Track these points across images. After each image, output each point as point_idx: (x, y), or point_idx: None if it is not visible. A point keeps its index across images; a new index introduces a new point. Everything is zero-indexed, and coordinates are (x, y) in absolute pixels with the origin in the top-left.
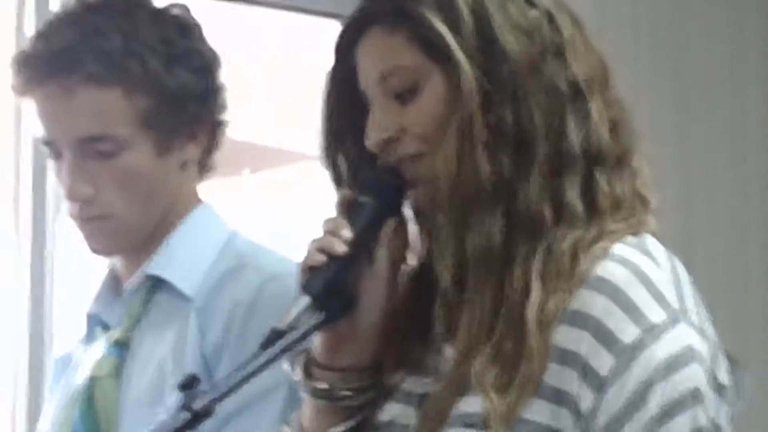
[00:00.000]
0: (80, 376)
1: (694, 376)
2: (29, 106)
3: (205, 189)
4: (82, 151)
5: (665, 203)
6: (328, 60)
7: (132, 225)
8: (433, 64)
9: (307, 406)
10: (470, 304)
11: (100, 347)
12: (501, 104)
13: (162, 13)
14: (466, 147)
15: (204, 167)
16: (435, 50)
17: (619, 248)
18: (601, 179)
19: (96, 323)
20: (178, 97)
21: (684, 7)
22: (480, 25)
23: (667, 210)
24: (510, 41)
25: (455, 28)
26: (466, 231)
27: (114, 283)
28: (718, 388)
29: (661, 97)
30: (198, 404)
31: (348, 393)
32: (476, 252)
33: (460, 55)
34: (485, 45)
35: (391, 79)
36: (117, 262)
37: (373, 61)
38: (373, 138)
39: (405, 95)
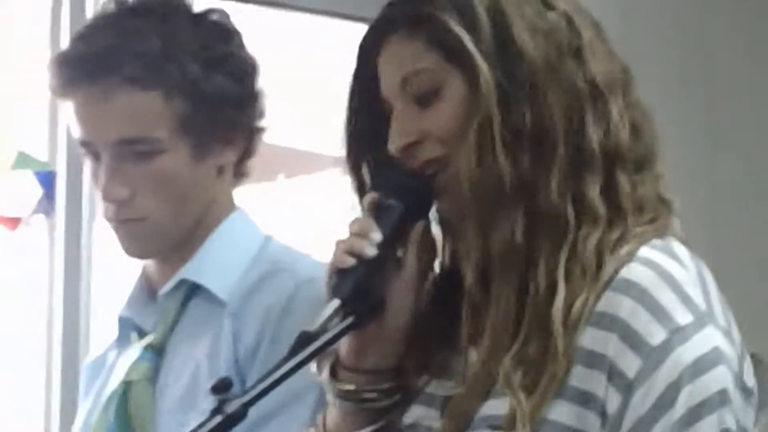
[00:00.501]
0: (114, 381)
1: (721, 377)
2: (66, 108)
3: (239, 194)
4: (119, 153)
5: (692, 207)
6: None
7: (166, 228)
8: (452, 67)
9: (333, 409)
10: (495, 304)
11: (134, 352)
12: (519, 104)
13: (201, 18)
14: (486, 147)
15: (240, 173)
16: (454, 53)
17: (644, 251)
18: (622, 180)
19: (129, 327)
20: (216, 102)
21: (711, 8)
22: (497, 27)
23: (695, 213)
24: (527, 42)
25: (473, 30)
26: (489, 230)
27: (147, 287)
28: (744, 391)
29: (688, 101)
30: (231, 407)
31: (373, 395)
32: (500, 251)
33: (478, 57)
34: (503, 46)
35: (412, 84)
36: (150, 266)
37: (394, 66)
38: (395, 143)
39: (426, 99)
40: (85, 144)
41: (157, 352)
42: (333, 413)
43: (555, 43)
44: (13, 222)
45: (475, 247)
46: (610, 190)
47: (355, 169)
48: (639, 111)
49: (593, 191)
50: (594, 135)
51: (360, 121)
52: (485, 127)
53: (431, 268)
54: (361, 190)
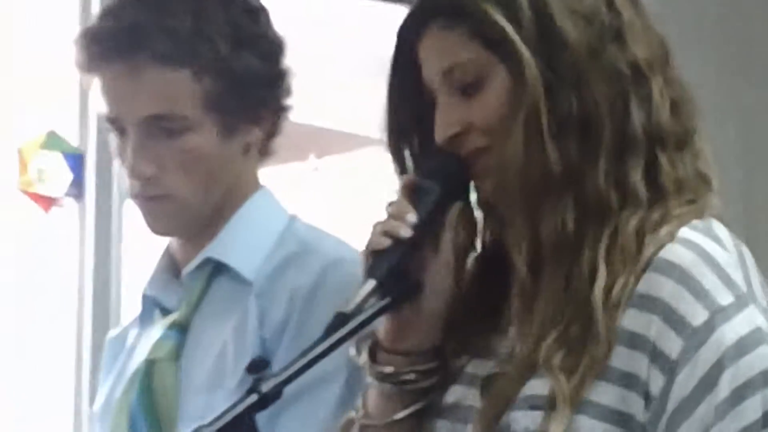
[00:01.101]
0: (137, 359)
1: (764, 357)
2: (94, 83)
3: (270, 174)
4: (147, 130)
5: (727, 190)
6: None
7: (192, 206)
8: (495, 57)
9: (373, 391)
10: (545, 290)
11: (157, 330)
12: (564, 92)
13: None
14: (534, 137)
15: (265, 152)
16: (496, 44)
17: (685, 232)
18: (664, 160)
19: (153, 305)
20: (244, 81)
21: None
22: (539, 15)
23: (729, 197)
24: (569, 28)
25: (515, 20)
26: (539, 220)
27: (171, 265)
28: None
29: (723, 83)
30: (266, 387)
31: (413, 376)
32: (551, 239)
33: (522, 47)
34: (545, 34)
35: (454, 75)
36: (175, 244)
37: (435, 56)
38: (441, 134)
39: (469, 89)
40: (112, 120)
41: (182, 330)
42: (373, 395)
43: (596, 27)
44: (48, 202)
45: (525, 236)
46: (651, 172)
47: (396, 152)
48: (678, 86)
49: (636, 175)
50: (637, 119)
51: (400, 105)
52: (532, 117)
53: (469, 248)
54: (402, 172)
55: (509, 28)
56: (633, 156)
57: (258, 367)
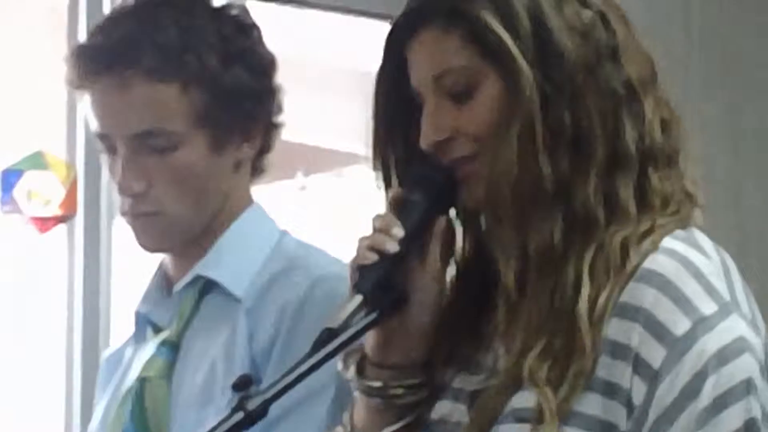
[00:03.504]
0: (130, 377)
1: (746, 366)
2: (84, 100)
3: (258, 191)
4: (136, 146)
5: (716, 203)
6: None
7: (182, 223)
8: (488, 65)
9: (360, 406)
10: (530, 303)
11: (150, 347)
12: (559, 106)
13: (221, 12)
14: (527, 149)
15: (257, 168)
16: (492, 52)
17: (667, 241)
18: (653, 178)
19: (145, 322)
20: (234, 96)
21: (735, 7)
22: (536, 27)
23: (718, 209)
24: (566, 43)
25: (512, 29)
26: (527, 232)
27: (164, 282)
28: None
29: (711, 97)
30: (252, 405)
31: (400, 391)
32: (538, 252)
33: (519, 57)
34: (542, 47)
35: (446, 80)
36: (167, 261)
37: (427, 61)
38: (428, 139)
39: (459, 96)
40: (102, 137)
41: (173, 348)
42: (360, 410)
43: (592, 43)
44: (44, 223)
45: (514, 249)
46: (641, 189)
47: (381, 161)
48: (667, 106)
49: (626, 191)
50: (630, 137)
51: (387, 113)
52: (526, 128)
53: (452, 261)
54: (387, 184)
55: (507, 38)
56: (624, 173)
57: (244, 384)
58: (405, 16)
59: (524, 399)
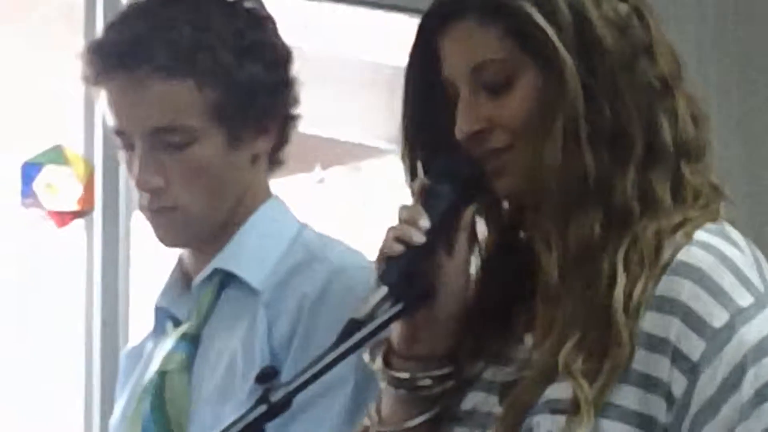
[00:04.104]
0: (151, 371)
1: None
2: (101, 97)
3: (276, 184)
4: (153, 143)
5: (733, 184)
6: (400, 54)
7: (201, 217)
8: (528, 57)
9: (387, 397)
10: (568, 296)
11: (169, 341)
12: (600, 100)
13: (234, 6)
14: (572, 142)
15: (274, 161)
16: (531, 45)
17: (701, 234)
18: (686, 171)
19: (165, 317)
20: (249, 90)
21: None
22: (579, 20)
23: (734, 190)
24: (606, 37)
25: (556, 24)
26: (568, 225)
27: (182, 276)
28: None
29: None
30: (275, 397)
31: (428, 382)
32: (578, 245)
33: (562, 50)
34: (584, 40)
35: (484, 72)
36: (186, 255)
37: (465, 52)
38: (463, 129)
39: (496, 88)
40: (119, 133)
41: (192, 341)
42: (387, 401)
43: (629, 37)
44: (61, 217)
45: (557, 241)
46: (675, 182)
47: (409, 153)
48: (695, 101)
49: (663, 185)
50: (666, 131)
51: (417, 103)
52: (570, 122)
53: (483, 252)
54: (413, 175)
55: (550, 31)
56: (661, 167)
57: (267, 376)
58: (439, 7)
59: (560, 390)
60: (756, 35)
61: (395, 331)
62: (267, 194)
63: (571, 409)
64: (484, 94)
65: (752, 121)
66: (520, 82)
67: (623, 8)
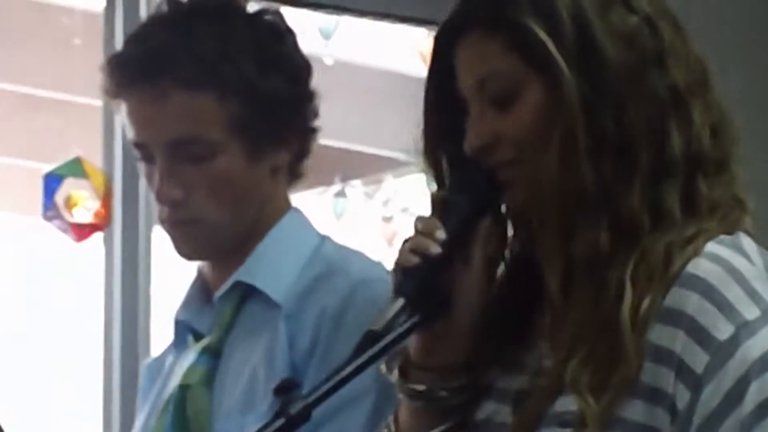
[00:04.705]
0: (171, 385)
1: None
2: (121, 109)
3: (297, 197)
4: (174, 155)
5: (763, 208)
6: (422, 66)
7: (221, 230)
8: (532, 70)
9: (404, 409)
10: (576, 309)
11: (191, 355)
12: (602, 112)
13: (256, 19)
14: (570, 155)
15: (295, 174)
16: (534, 57)
17: (711, 246)
18: (702, 185)
19: (186, 330)
20: (271, 103)
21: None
22: (580, 32)
23: (765, 214)
24: (610, 49)
25: (556, 35)
26: (572, 238)
27: (203, 289)
28: None
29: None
30: (294, 409)
31: (445, 394)
32: (583, 258)
33: (562, 63)
34: (586, 53)
35: (489, 85)
36: (206, 268)
37: (471, 65)
38: (471, 144)
39: (502, 101)
40: (139, 145)
41: (214, 355)
42: (404, 413)
43: (637, 50)
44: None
45: (557, 253)
46: (688, 195)
47: (432, 161)
48: (717, 111)
49: (672, 198)
50: (677, 143)
51: (437, 114)
52: (569, 134)
53: (499, 262)
54: (439, 185)
55: (550, 44)
56: (670, 180)
57: (287, 388)
58: (450, 20)
59: (568, 403)
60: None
61: (412, 342)
62: (287, 207)
63: (579, 423)
64: (491, 108)
65: None
66: (525, 95)
67: (633, 20)
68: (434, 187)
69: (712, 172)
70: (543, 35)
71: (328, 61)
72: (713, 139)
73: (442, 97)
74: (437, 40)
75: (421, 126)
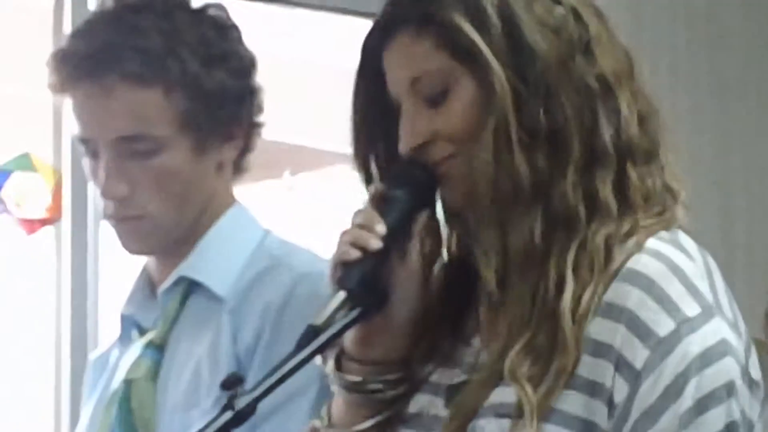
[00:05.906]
0: (117, 379)
1: (728, 369)
2: (67, 104)
3: (245, 191)
4: (119, 151)
5: (704, 196)
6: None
7: (166, 225)
8: (461, 67)
9: (338, 400)
10: (512, 302)
11: (135, 349)
12: (533, 104)
13: (201, 14)
14: (503, 148)
15: (239, 168)
16: (463, 53)
17: (653, 242)
18: (632, 174)
19: (131, 325)
20: (216, 98)
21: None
22: (507, 26)
23: (706, 203)
24: (538, 40)
25: (483, 30)
26: (507, 231)
27: (148, 284)
28: (750, 383)
29: (698, 90)
30: (241, 404)
31: (379, 386)
32: (518, 252)
33: (491, 57)
34: (514, 46)
35: (421, 84)
36: (151, 262)
37: (401, 66)
38: (407, 144)
39: (435, 99)
40: (84, 141)
41: (158, 349)
42: (338, 404)
43: (565, 39)
44: (31, 225)
45: (493, 247)
46: (620, 185)
47: (362, 162)
48: (644, 100)
49: (605, 188)
50: (606, 132)
51: (366, 115)
52: (501, 128)
53: (436, 257)
54: (368, 182)
55: (478, 39)
56: (602, 169)
57: (232, 383)
58: (379, 21)
59: (505, 394)
60: (728, 30)
61: (348, 335)
62: (231, 201)
63: (516, 413)
64: (424, 106)
65: (725, 120)
66: (457, 91)
67: (558, 10)
68: (366, 182)
69: (642, 161)
70: (470, 31)
71: (282, 58)
72: (641, 128)
73: (372, 96)
74: (366, 42)
75: (351, 126)
